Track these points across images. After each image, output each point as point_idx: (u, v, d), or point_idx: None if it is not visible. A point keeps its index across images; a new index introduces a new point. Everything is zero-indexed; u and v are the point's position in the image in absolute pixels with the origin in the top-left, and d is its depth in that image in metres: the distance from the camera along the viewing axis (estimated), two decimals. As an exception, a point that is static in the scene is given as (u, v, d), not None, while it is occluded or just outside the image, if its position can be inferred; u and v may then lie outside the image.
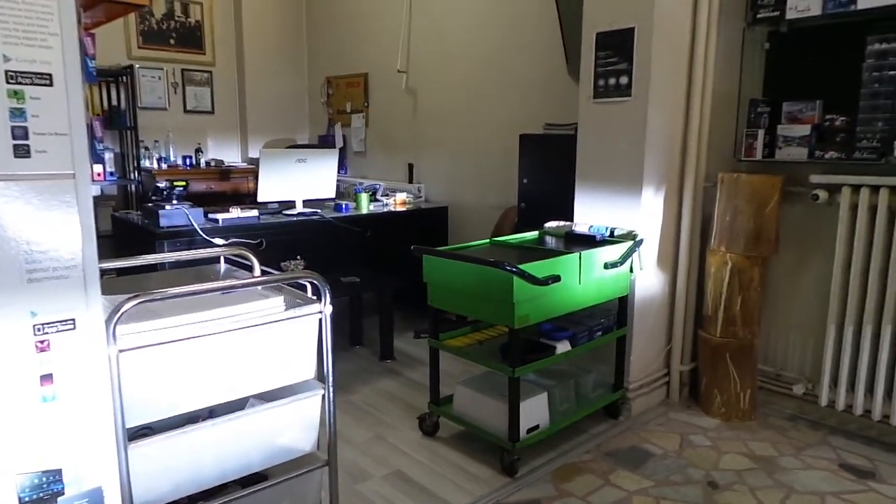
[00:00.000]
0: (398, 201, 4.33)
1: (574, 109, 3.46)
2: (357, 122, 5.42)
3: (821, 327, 2.68)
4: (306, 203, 3.81)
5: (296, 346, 1.31)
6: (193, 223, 3.17)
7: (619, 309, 2.71)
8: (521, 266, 2.16)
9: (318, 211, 3.78)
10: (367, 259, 4.01)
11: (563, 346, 2.47)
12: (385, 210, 4.16)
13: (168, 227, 3.13)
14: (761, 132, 2.75)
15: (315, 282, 1.32)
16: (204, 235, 3.14)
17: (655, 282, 2.84)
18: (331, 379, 1.34)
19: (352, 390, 3.08)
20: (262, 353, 1.27)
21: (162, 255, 1.69)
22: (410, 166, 4.89)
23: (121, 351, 1.06)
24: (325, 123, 5.83)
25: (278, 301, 1.30)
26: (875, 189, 2.44)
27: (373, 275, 3.68)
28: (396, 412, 2.84)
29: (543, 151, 3.51)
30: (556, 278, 2.26)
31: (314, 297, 1.35)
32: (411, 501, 2.13)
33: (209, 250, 1.66)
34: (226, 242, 3.19)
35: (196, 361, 1.18)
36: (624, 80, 2.64)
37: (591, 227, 2.80)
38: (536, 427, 2.41)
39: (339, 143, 5.60)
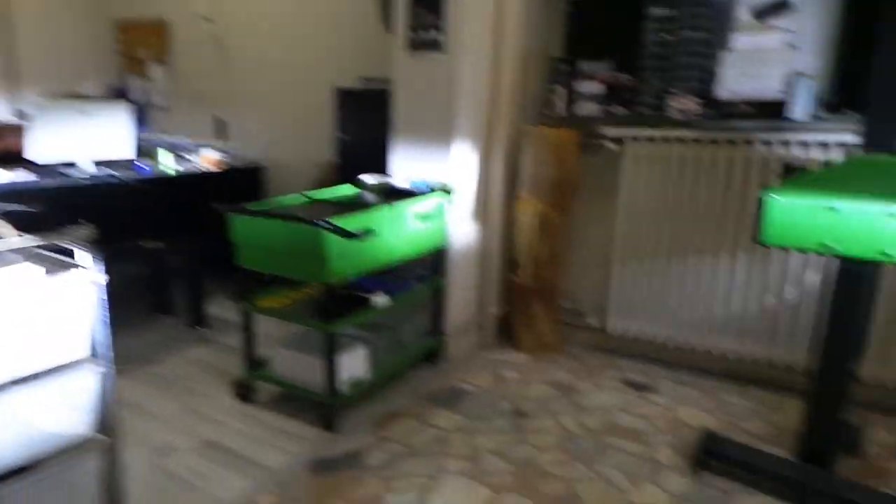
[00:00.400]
0: (209, 160, 4.02)
1: (389, 63, 3.45)
2: (157, 73, 4.90)
3: (610, 263, 2.99)
4: (99, 164, 3.39)
5: (63, 321, 1.17)
6: (-54, 188, 2.68)
7: (436, 260, 2.80)
8: (333, 221, 2.13)
9: (113, 173, 3.39)
10: (177, 224, 3.69)
11: (380, 299, 2.50)
12: (194, 169, 3.85)
13: (-89, 195, 2.62)
14: (562, 88, 2.94)
15: (77, 246, 1.17)
16: (-37, 202, 2.67)
17: (470, 232, 2.96)
18: (107, 355, 1.22)
19: (157, 361, 2.87)
20: (19, 331, 1.11)
21: None
22: (221, 122, 4.56)
23: None
24: (116, 74, 5.20)
25: (36, 269, 1.13)
26: (653, 140, 2.73)
27: (183, 239, 3.41)
28: (209, 380, 2.70)
29: (360, 106, 3.46)
30: (370, 232, 2.26)
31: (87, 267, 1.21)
32: (223, 469, 2.06)
33: None
34: (-7, 210, 2.75)
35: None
36: (436, 34, 2.65)
37: (411, 181, 2.83)
38: (358, 380, 2.43)
39: (136, 96, 5.04)
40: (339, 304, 2.32)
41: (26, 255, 1.21)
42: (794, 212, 1.79)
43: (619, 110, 2.83)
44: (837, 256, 1.84)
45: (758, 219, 1.85)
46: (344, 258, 2.21)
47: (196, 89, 4.70)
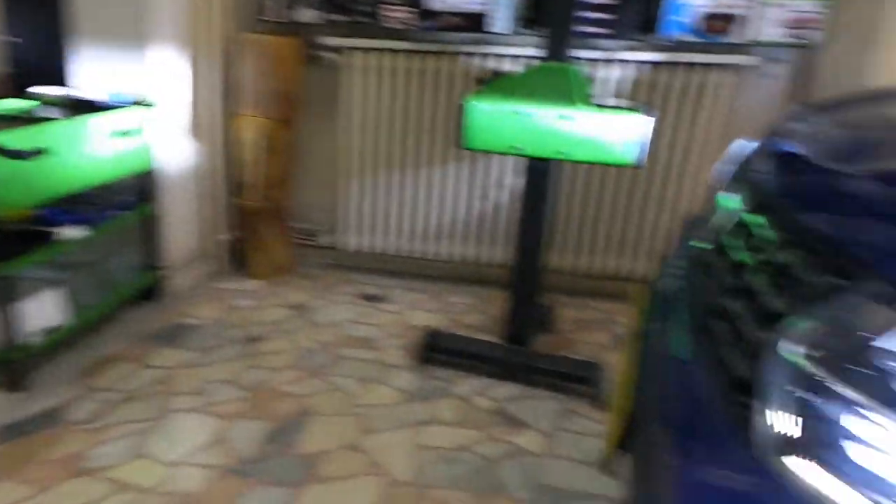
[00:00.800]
0: None
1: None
2: None
3: (336, 180, 2.96)
4: None
5: None
6: None
7: (143, 184, 2.47)
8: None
9: None
10: None
11: (72, 232, 2.13)
12: None
13: None
14: (276, -8, 2.71)
15: None
16: None
17: (184, 152, 2.66)
18: None
19: None
20: None
21: None
22: None
23: None
24: None
25: None
26: (368, 51, 2.70)
27: None
28: None
29: (35, 2, 2.81)
30: (42, 151, 1.88)
31: None
32: None
33: None
34: None
35: None
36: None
37: (108, 94, 2.40)
38: (54, 328, 2.08)
39: None
40: (11, 242, 1.92)
41: None
42: (488, 117, 1.94)
43: (336, 16, 2.71)
44: (525, 156, 2.06)
45: (459, 125, 1.97)
46: (12, 184, 1.82)
47: None
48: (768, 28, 2.37)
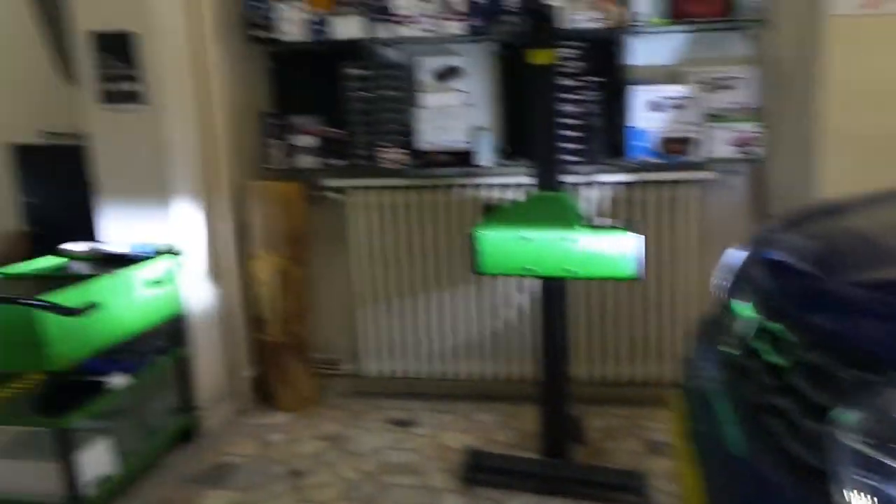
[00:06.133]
0: None
1: (75, 115, 3.08)
2: None
3: (353, 310, 3.11)
4: None
5: None
6: None
7: (175, 328, 2.59)
8: (46, 297, 1.86)
9: None
10: None
11: (118, 381, 2.22)
12: None
13: None
14: (280, 142, 2.96)
15: None
16: None
17: (206, 294, 2.80)
18: None
19: None
20: None
21: None
22: None
23: None
24: None
25: None
26: (371, 189, 2.96)
27: None
28: None
29: (49, 164, 3.04)
30: (93, 306, 2.02)
31: None
32: None
33: None
34: None
35: None
36: (134, 86, 2.49)
37: (131, 245, 2.58)
38: (106, 477, 2.12)
39: None
40: (68, 394, 2.01)
41: None
42: (498, 244, 2.17)
43: (337, 161, 2.97)
44: (537, 276, 2.26)
45: (472, 252, 2.19)
46: (66, 339, 1.94)
47: None
48: (719, 146, 2.68)
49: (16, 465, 2.01)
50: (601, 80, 2.63)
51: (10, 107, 3.24)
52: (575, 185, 2.76)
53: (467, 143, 2.80)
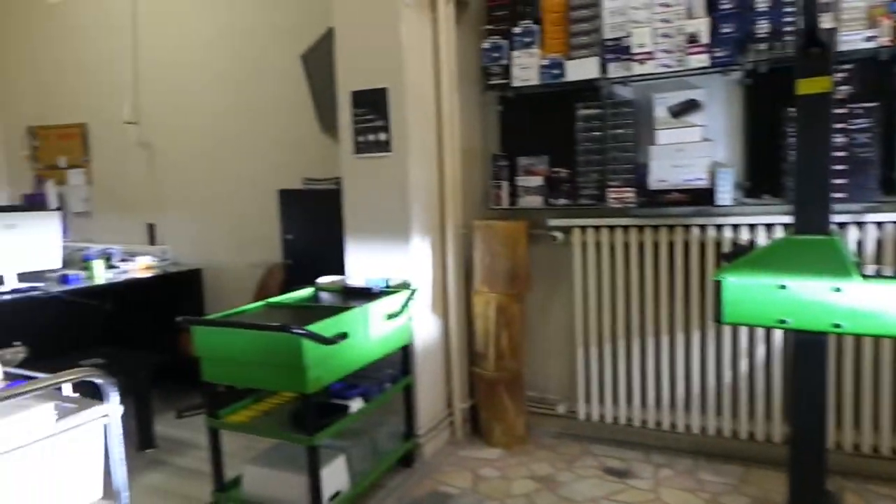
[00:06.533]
0: (141, 266, 3.83)
1: (330, 163, 3.50)
2: (76, 178, 4.69)
3: (571, 350, 3.07)
4: (22, 277, 3.14)
5: (75, 462, 1.05)
6: None
7: (404, 357, 2.76)
8: (307, 327, 2.07)
9: (39, 285, 3.15)
10: (110, 336, 3.45)
11: (356, 404, 2.41)
12: (126, 277, 3.64)
13: None
14: (504, 183, 3.08)
15: (96, 379, 1.08)
16: None
17: (431, 327, 2.96)
18: (124, 495, 1.10)
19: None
20: (30, 479, 0.98)
21: None
22: (151, 226, 4.38)
23: None
24: (30, 181, 4.92)
25: (46, 411, 1.02)
26: (597, 229, 2.90)
27: (120, 353, 3.17)
28: (170, 511, 2.46)
29: (306, 206, 3.46)
30: (344, 335, 2.21)
31: (89, 398, 1.11)
32: None
33: None
34: None
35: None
36: (383, 136, 2.75)
37: (367, 279, 2.82)
38: (337, 493, 2.30)
39: (53, 203, 4.77)
40: (316, 414, 2.22)
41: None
42: (748, 291, 1.95)
43: (561, 201, 2.97)
44: (793, 330, 2.00)
45: (716, 300, 1.99)
46: (321, 364, 2.14)
47: (121, 194, 4.52)
48: None
49: (270, 474, 2.27)
50: (872, 105, 2.32)
51: (280, 157, 3.79)
52: (840, 225, 2.43)
53: (705, 180, 2.62)
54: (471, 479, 2.67)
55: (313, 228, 3.40)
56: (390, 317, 2.56)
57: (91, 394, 1.19)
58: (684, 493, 2.49)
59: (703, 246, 2.70)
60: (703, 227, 2.69)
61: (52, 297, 3.09)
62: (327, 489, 2.22)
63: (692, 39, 2.52)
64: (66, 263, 3.53)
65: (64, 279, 3.33)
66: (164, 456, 2.95)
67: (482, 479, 2.66)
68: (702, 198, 2.63)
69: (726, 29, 2.49)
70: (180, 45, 4.12)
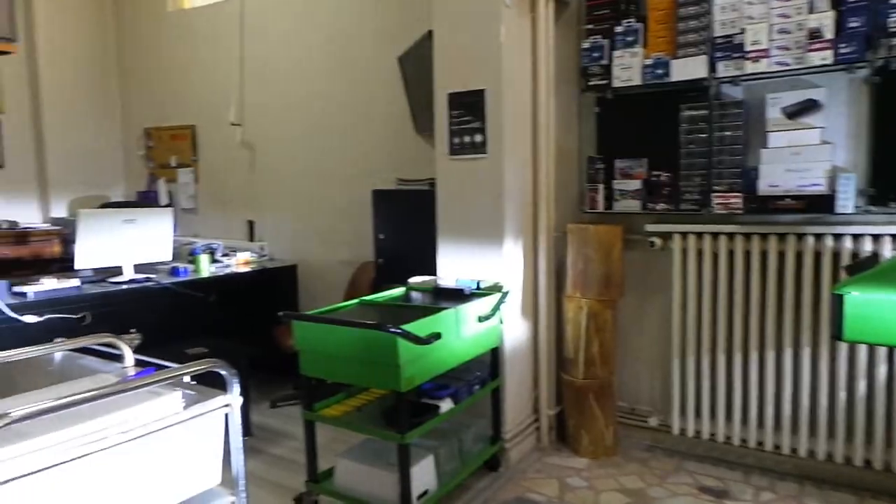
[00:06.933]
0: (241, 261, 4.03)
1: (423, 165, 3.54)
2: (185, 177, 5.00)
3: (666, 361, 2.95)
4: (137, 268, 3.38)
5: (198, 449, 1.11)
6: (-4, 300, 2.63)
7: (493, 360, 2.74)
8: (402, 326, 2.09)
9: (152, 276, 3.37)
10: (211, 326, 3.64)
11: (446, 405, 2.42)
12: (227, 271, 3.84)
13: (-39, 307, 2.57)
14: (601, 186, 2.99)
15: (222, 370, 1.13)
16: (11, 313, 2.62)
17: (520, 330, 2.93)
18: (242, 483, 1.15)
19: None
20: (158, 464, 1.04)
21: (20, 350, 1.32)
22: (251, 223, 4.60)
23: (-18, 491, 0.79)
24: (144, 179, 5.29)
25: (174, 398, 1.08)
26: (699, 235, 2.77)
27: (221, 343, 3.34)
28: (265, 496, 2.55)
29: (399, 206, 3.51)
30: (438, 336, 2.22)
31: (210, 388, 1.16)
32: None
33: (77, 341, 1.36)
34: (41, 319, 2.70)
35: (73, 488, 0.93)
36: (478, 137, 2.74)
37: (458, 280, 2.82)
38: (425, 493, 2.31)
39: (164, 199, 5.11)
40: (407, 412, 2.24)
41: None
42: (874, 307, 1.79)
43: (660, 206, 2.86)
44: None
45: (835, 315, 1.84)
46: (414, 363, 2.16)
47: (224, 191, 4.77)
48: None
49: (362, 469, 2.31)
50: None
51: (375, 158, 3.88)
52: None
53: (822, 185, 2.44)
54: (557, 487, 2.62)
55: (405, 228, 3.44)
56: (481, 319, 2.55)
57: (204, 382, 1.24)
58: (790, 520, 2.33)
59: (817, 256, 2.52)
60: (818, 237, 2.51)
61: (164, 288, 3.30)
62: (416, 488, 2.24)
63: (814, 35, 2.36)
64: (174, 257, 3.77)
65: (174, 271, 3.55)
66: (260, 444, 3.08)
67: (569, 489, 2.60)
68: (818, 205, 2.46)
69: (854, 23, 2.31)
70: (282, 50, 4.30)
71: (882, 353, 2.43)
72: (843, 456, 2.54)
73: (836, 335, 1.86)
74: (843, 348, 2.50)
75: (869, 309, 1.82)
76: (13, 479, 0.84)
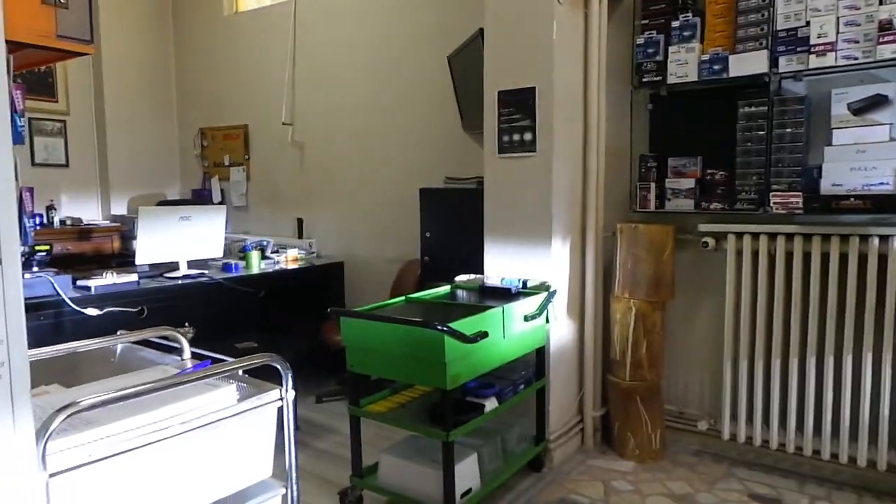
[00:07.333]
0: (290, 258, 4.11)
1: (471, 163, 3.53)
2: (237, 175, 5.13)
3: (717, 365, 2.86)
4: (191, 264, 3.48)
5: (251, 441, 1.13)
6: (62, 293, 2.75)
7: (538, 360, 2.72)
8: (449, 324, 2.09)
9: (205, 272, 3.47)
10: (259, 321, 3.73)
11: (490, 404, 2.41)
12: (277, 268, 3.92)
13: (29, 299, 2.69)
14: (652, 185, 2.93)
15: (276, 364, 1.16)
16: (75, 306, 2.74)
17: (566, 330, 2.89)
18: (294, 476, 1.17)
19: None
20: (213, 455, 1.07)
21: (86, 341, 1.38)
22: (300, 221, 4.69)
23: (52, 475, 0.83)
24: (199, 177, 5.46)
25: (230, 391, 1.11)
26: (755, 236, 2.68)
27: (269, 338, 3.42)
28: (311, 489, 2.60)
29: (445, 205, 3.52)
30: (485, 334, 2.22)
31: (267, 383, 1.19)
32: None
33: (140, 333, 1.42)
34: (101, 312, 2.81)
35: (134, 475, 0.97)
36: (528, 136, 2.72)
37: (503, 279, 2.81)
38: (469, 491, 2.31)
39: (217, 197, 5.26)
40: (452, 410, 2.24)
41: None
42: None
43: (715, 205, 2.78)
44: None
45: None
46: (460, 361, 2.16)
47: (274, 189, 4.88)
48: None
49: (405, 465, 2.33)
50: None
51: (423, 156, 3.90)
52: None
53: (890, 184, 2.33)
54: (602, 490, 2.58)
55: (451, 227, 3.44)
56: (527, 318, 2.53)
57: (254, 376, 1.27)
58: (850, 533, 2.24)
59: (882, 259, 2.41)
60: (884, 238, 2.40)
61: (216, 284, 3.39)
62: (460, 486, 2.24)
63: (885, 27, 2.25)
64: (226, 253, 3.88)
65: (226, 267, 3.65)
66: (305, 438, 3.13)
67: (614, 492, 2.56)
68: (886, 205, 2.35)
69: (927, 14, 2.19)
70: (333, 51, 4.36)
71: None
72: (908, 469, 2.43)
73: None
74: (909, 356, 2.39)
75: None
76: (80, 465, 0.87)
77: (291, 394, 1.18)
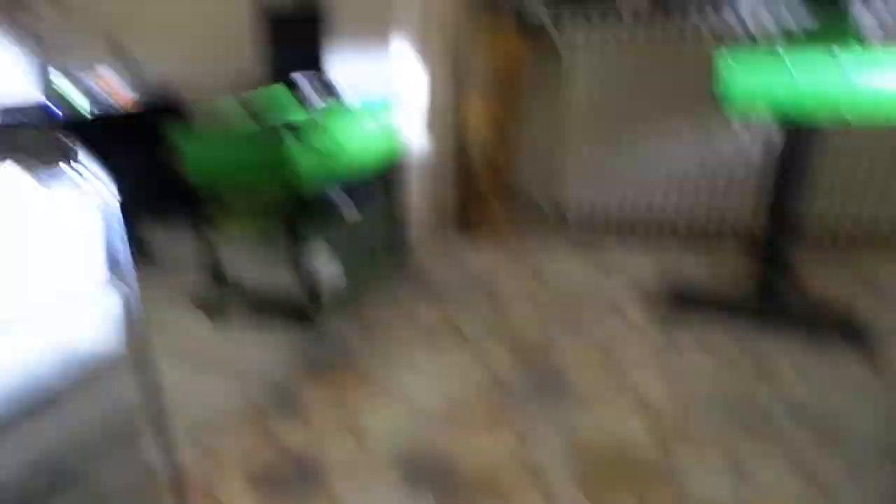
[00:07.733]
0: (119, 96, 3.68)
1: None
2: None
3: (562, 151, 3.10)
4: (5, 112, 3.07)
5: (71, 237, 1.10)
6: None
7: (394, 165, 2.77)
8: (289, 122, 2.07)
9: (23, 120, 3.09)
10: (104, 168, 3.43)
11: (349, 211, 2.48)
12: (110, 110, 3.52)
13: None
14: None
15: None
16: None
17: (422, 134, 2.95)
18: (129, 273, 1.17)
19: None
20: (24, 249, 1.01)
21: None
22: (115, 41, 4.03)
23: None
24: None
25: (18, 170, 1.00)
26: (595, 29, 2.80)
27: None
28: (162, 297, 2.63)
29: (291, 28, 3.26)
30: (322, 127, 2.19)
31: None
32: (223, 380, 2.07)
33: None
34: None
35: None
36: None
37: (356, 89, 2.74)
38: (333, 292, 2.45)
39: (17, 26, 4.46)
40: (310, 212, 2.29)
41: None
42: (751, 71, 1.92)
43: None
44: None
45: (715, 79, 1.96)
46: (307, 162, 2.16)
47: (83, 9, 4.17)
48: None
49: (266, 270, 2.40)
50: None
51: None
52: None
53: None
54: (462, 272, 2.84)
55: (297, 49, 3.23)
56: (375, 121, 2.53)
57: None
58: (661, 270, 2.69)
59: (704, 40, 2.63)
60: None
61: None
62: (323, 282, 2.36)
63: None
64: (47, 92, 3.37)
65: (47, 111, 3.24)
66: (162, 273, 3.08)
67: (472, 273, 2.82)
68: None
69: None
70: None
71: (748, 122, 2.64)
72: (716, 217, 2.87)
73: (719, 104, 2.00)
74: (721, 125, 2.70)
75: (748, 72, 1.95)
76: None
77: (110, 190, 1.14)
